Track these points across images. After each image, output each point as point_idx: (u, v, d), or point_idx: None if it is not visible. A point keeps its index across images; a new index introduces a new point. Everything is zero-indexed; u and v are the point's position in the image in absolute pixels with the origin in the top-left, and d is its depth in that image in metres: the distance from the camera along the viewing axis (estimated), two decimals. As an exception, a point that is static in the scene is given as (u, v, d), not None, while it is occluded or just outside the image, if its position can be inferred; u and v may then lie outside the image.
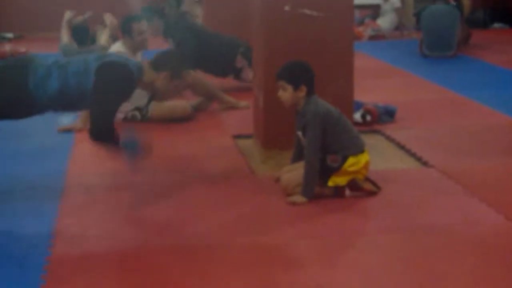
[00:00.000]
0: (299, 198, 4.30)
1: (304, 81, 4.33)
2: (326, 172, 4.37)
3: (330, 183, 4.38)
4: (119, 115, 6.24)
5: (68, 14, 8.84)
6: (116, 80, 4.04)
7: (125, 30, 6.23)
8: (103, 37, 8.43)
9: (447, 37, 9.13)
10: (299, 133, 4.46)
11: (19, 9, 12.43)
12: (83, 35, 8.39)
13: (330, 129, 4.33)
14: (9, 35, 12.03)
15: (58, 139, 5.12)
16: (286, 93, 4.36)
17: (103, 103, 3.97)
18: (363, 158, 4.41)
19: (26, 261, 3.65)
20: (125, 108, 6.26)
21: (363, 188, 4.42)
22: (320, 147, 4.30)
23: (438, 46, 9.18)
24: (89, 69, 4.10)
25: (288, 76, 4.35)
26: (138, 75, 4.17)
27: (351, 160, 4.36)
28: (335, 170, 4.37)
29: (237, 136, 5.79)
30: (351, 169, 4.37)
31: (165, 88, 4.23)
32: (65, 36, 8.56)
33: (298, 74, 4.37)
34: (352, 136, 4.43)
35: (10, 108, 4.19)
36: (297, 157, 4.58)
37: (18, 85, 4.14)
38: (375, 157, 4.92)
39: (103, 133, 3.97)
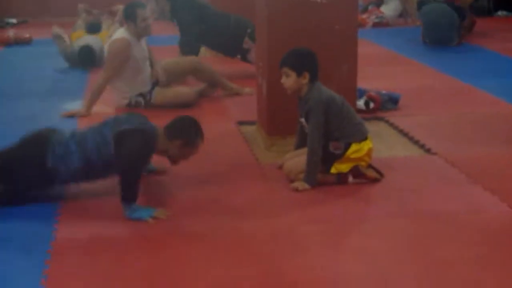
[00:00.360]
0: (302, 185, 4.30)
1: (307, 68, 4.33)
2: (329, 159, 4.37)
3: (333, 170, 4.39)
4: (124, 101, 6.26)
5: (81, 6, 8.87)
6: (135, 149, 4.04)
7: (128, 16, 6.19)
8: (111, 29, 8.44)
9: (448, 33, 9.06)
10: (302, 120, 4.46)
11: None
12: (97, 29, 8.62)
13: (333, 116, 4.33)
14: (13, 20, 11.99)
15: (61, 125, 5.09)
16: (289, 80, 4.36)
17: (128, 172, 3.99)
18: (366, 145, 4.41)
19: (30, 245, 3.66)
20: (129, 94, 6.26)
21: (366, 175, 4.42)
22: (323, 134, 4.31)
23: (439, 41, 9.14)
24: (107, 140, 4.11)
25: (291, 62, 4.35)
26: (154, 139, 4.19)
27: (354, 147, 4.36)
28: (338, 157, 4.37)
29: (241, 123, 5.79)
30: (354, 156, 4.37)
31: (179, 156, 4.27)
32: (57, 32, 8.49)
33: (301, 61, 4.36)
34: (355, 123, 4.43)
35: (29, 184, 4.18)
36: (300, 144, 4.59)
37: (37, 163, 4.13)
38: (378, 144, 4.92)
39: (130, 195, 3.99)
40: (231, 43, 7.58)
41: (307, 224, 3.87)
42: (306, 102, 4.34)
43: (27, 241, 3.71)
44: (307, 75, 4.32)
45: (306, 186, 4.30)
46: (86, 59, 8.06)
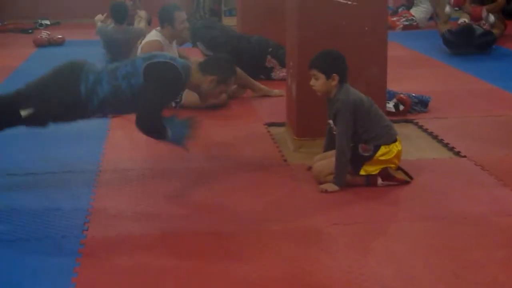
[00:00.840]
0: (331, 186, 4.30)
1: (336, 70, 4.33)
2: (358, 161, 4.37)
3: (362, 172, 4.38)
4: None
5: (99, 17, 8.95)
6: (165, 79, 4.11)
7: (165, 19, 6.24)
8: (141, 23, 8.53)
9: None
10: (330, 121, 4.46)
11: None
12: (121, 12, 8.38)
13: (362, 118, 4.33)
14: (46, 21, 12.12)
15: (95, 124, 5.16)
16: (318, 82, 4.36)
17: (152, 100, 4.04)
18: (395, 147, 4.40)
19: (62, 243, 3.70)
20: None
21: (395, 177, 4.41)
22: (351, 135, 4.30)
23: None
24: (138, 70, 4.19)
25: (320, 65, 4.36)
26: (186, 76, 4.22)
27: (383, 149, 4.36)
28: (367, 159, 4.36)
29: (270, 124, 5.80)
30: (383, 158, 4.36)
31: (211, 91, 4.30)
32: (99, 19, 8.62)
33: (330, 63, 4.36)
34: (384, 125, 4.42)
35: (63, 112, 4.28)
36: (329, 146, 4.59)
37: (71, 91, 4.22)
38: (407, 146, 4.91)
39: (148, 126, 4.03)
40: (253, 63, 7.56)
41: (335, 225, 3.86)
42: (334, 104, 4.35)
43: (58, 239, 3.75)
44: (336, 77, 4.32)
45: (335, 187, 4.30)
46: (118, 14, 8.27)
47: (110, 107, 4.32)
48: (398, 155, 4.42)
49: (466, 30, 8.81)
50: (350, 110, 4.28)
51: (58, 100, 4.23)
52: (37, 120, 4.27)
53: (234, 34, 7.95)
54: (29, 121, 4.26)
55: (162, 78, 4.12)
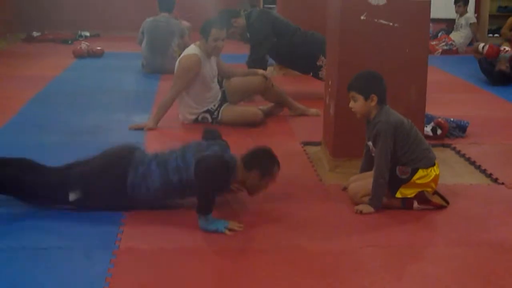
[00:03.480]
0: (366, 208, 4.27)
1: (374, 90, 4.30)
2: (395, 183, 4.33)
3: (398, 195, 4.34)
4: (191, 117, 6.32)
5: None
6: (210, 169, 4.05)
7: (203, 32, 6.20)
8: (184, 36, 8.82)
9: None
10: (369, 143, 4.43)
11: (96, 9, 12.67)
12: (168, 2, 9.06)
13: (401, 140, 4.29)
14: (86, 33, 12.25)
15: (129, 137, 5.18)
16: (357, 104, 4.34)
17: (204, 186, 4.01)
18: (433, 171, 4.36)
19: (94, 253, 3.70)
20: (197, 110, 6.31)
21: (431, 202, 4.37)
22: (390, 157, 4.27)
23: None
24: (189, 163, 4.15)
25: (358, 86, 4.33)
26: (232, 169, 4.20)
27: (420, 172, 4.32)
28: (404, 181, 4.33)
29: (306, 143, 5.78)
30: (420, 181, 4.32)
31: (257, 186, 4.27)
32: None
33: (368, 84, 4.34)
34: (423, 149, 4.38)
35: (107, 199, 4.22)
36: (366, 167, 4.56)
37: (117, 178, 4.18)
38: (444, 171, 4.86)
39: (206, 207, 4.01)
40: (305, 61, 7.58)
41: (370, 246, 3.83)
42: (374, 126, 4.32)
43: (90, 249, 3.75)
44: (375, 98, 4.29)
45: (371, 209, 4.26)
46: (164, 1, 8.78)
47: (159, 198, 4.26)
48: (435, 179, 4.38)
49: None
50: (390, 132, 4.25)
51: (104, 186, 4.20)
52: (82, 204, 4.22)
53: (289, 26, 7.76)
54: (75, 204, 4.23)
55: (210, 167, 4.03)
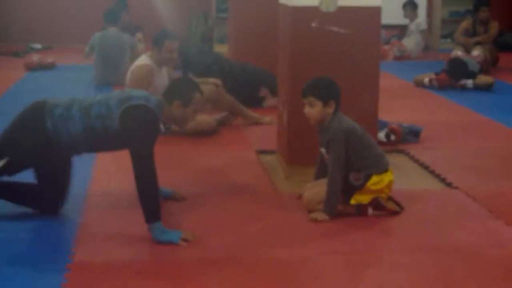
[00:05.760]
0: (321, 215, 4.25)
1: (333, 97, 4.28)
2: (349, 190, 4.33)
3: (353, 201, 4.34)
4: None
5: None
6: (143, 124, 4.07)
7: (156, 42, 6.22)
8: (140, 46, 8.78)
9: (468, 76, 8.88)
10: (323, 150, 4.41)
11: (47, 21, 12.52)
12: (113, 14, 9.17)
13: (354, 147, 4.29)
14: (38, 45, 12.10)
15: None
16: (314, 110, 4.30)
17: (138, 149, 4.00)
18: (387, 177, 4.36)
19: (47, 266, 3.64)
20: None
21: (385, 208, 4.37)
22: (343, 164, 4.26)
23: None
24: (113, 114, 4.11)
25: (317, 91, 4.29)
26: (159, 112, 4.17)
27: (374, 178, 4.31)
28: (358, 188, 4.32)
29: (260, 151, 5.76)
30: (374, 187, 4.32)
31: (183, 116, 4.24)
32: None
33: (327, 90, 4.31)
34: (376, 155, 4.38)
35: (36, 154, 4.20)
36: (320, 174, 4.54)
37: (37, 129, 4.16)
38: (399, 177, 4.86)
39: (144, 171, 3.97)
40: (246, 92, 7.48)
41: (326, 254, 3.82)
42: (327, 132, 4.30)
43: (44, 261, 3.70)
44: (333, 104, 4.27)
45: (325, 216, 4.25)
46: (109, 16, 9.01)
47: (84, 145, 4.22)
48: (389, 185, 4.38)
49: (458, 62, 8.83)
50: (343, 139, 4.23)
51: (28, 142, 4.17)
52: (12, 169, 4.22)
53: (227, 61, 7.88)
54: (5, 171, 4.22)
55: (139, 124, 4.06)
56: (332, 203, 4.26)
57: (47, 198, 4.26)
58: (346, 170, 4.29)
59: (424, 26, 11.73)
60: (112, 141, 4.18)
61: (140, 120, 4.07)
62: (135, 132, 4.04)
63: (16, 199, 4.32)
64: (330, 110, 4.27)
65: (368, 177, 4.31)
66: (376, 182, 4.32)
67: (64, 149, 4.21)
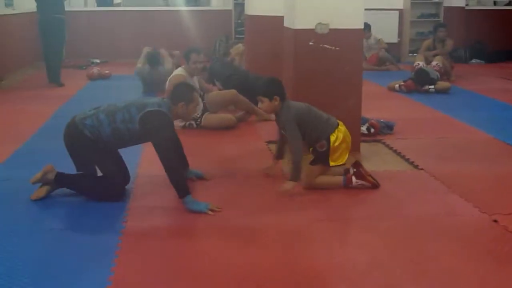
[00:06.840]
0: (289, 184, 4.19)
1: (276, 93, 4.26)
2: (323, 157, 4.29)
3: (332, 163, 4.31)
4: (180, 124, 6.27)
5: (146, 49, 9.02)
6: (159, 126, 4.07)
7: (185, 57, 6.26)
8: (167, 65, 8.61)
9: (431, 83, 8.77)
10: (282, 131, 4.40)
11: (105, 41, 12.55)
12: (155, 58, 8.71)
13: (306, 121, 4.25)
14: (97, 60, 12.12)
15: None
16: (264, 105, 4.31)
17: (160, 145, 4.00)
18: (340, 131, 4.32)
19: (107, 229, 3.69)
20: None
21: (367, 178, 4.33)
22: (306, 140, 4.24)
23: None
24: (134, 118, 4.10)
25: (262, 91, 4.31)
26: (170, 114, 4.17)
27: (332, 137, 4.28)
28: (327, 151, 4.28)
29: (269, 142, 5.75)
30: (337, 144, 4.29)
31: (187, 112, 4.24)
32: (140, 62, 8.74)
33: (270, 88, 4.30)
34: (325, 120, 4.34)
35: (93, 156, 4.22)
36: (281, 146, 4.59)
37: (82, 139, 4.14)
38: (376, 161, 4.88)
39: (182, 187, 3.99)
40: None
41: (316, 222, 3.82)
42: (280, 118, 4.30)
43: (104, 227, 3.73)
44: (277, 98, 4.26)
45: (292, 184, 4.18)
46: (153, 60, 8.53)
47: (118, 141, 4.20)
48: (346, 135, 4.34)
49: (421, 72, 8.79)
50: (294, 120, 4.21)
51: (85, 151, 4.20)
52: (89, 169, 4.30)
53: (244, 73, 7.83)
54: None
55: (155, 125, 4.06)
56: (297, 171, 4.19)
57: (116, 183, 4.19)
58: (311, 144, 4.27)
59: (379, 37, 11.20)
60: (135, 138, 4.19)
61: (156, 121, 4.07)
62: (154, 131, 4.05)
63: (86, 189, 4.24)
64: (276, 103, 4.25)
65: (328, 140, 4.26)
66: (335, 139, 4.27)
67: (101, 148, 4.18)
